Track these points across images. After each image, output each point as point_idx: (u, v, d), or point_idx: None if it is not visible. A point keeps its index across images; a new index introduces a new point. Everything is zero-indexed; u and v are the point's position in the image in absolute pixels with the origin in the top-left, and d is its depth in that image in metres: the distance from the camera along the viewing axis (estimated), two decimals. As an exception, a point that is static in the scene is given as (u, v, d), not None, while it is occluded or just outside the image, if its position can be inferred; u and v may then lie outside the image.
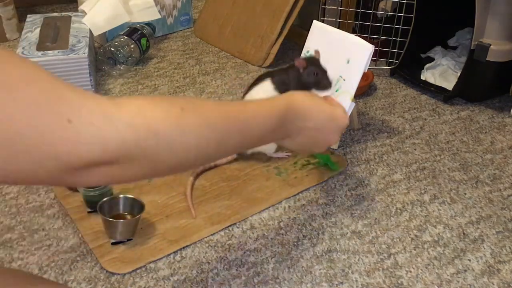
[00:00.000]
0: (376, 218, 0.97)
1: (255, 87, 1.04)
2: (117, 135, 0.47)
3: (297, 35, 1.61)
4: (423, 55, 1.54)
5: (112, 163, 0.48)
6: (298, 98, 0.75)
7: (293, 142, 0.76)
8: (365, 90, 1.40)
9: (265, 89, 1.01)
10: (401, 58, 1.45)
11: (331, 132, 0.81)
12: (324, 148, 0.83)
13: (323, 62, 1.18)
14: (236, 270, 0.85)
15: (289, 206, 1.00)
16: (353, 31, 1.53)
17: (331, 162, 1.08)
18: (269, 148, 1.09)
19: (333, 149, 1.16)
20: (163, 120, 0.52)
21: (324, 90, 0.98)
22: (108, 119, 0.47)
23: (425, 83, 1.43)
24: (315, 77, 0.98)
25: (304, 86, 0.98)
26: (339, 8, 1.52)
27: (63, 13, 1.52)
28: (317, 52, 1.01)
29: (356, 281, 0.84)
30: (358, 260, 0.88)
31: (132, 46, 1.47)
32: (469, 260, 0.88)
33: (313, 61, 1.00)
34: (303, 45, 1.22)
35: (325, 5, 1.51)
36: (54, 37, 1.36)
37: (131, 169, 0.50)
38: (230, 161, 1.09)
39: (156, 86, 1.42)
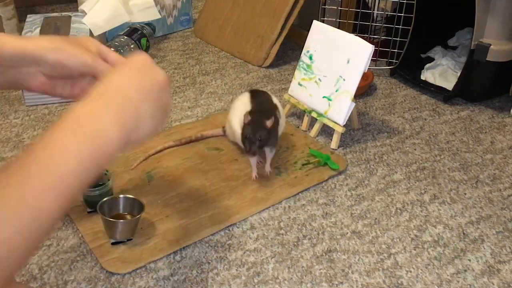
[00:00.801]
0: (376, 218, 0.97)
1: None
2: None
3: (297, 35, 1.61)
4: (423, 55, 1.54)
5: None
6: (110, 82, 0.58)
7: (138, 131, 0.58)
8: (365, 90, 1.40)
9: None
10: (401, 58, 1.46)
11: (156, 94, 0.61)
12: (166, 113, 0.64)
13: (323, 63, 1.18)
14: (236, 270, 0.85)
15: (289, 206, 1.00)
16: (353, 31, 1.53)
17: (331, 162, 1.08)
18: None
19: (333, 149, 1.16)
20: None
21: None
22: None
23: (425, 83, 1.43)
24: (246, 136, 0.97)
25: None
26: (339, 8, 1.52)
27: (63, 13, 1.52)
28: (246, 115, 0.99)
29: (356, 281, 0.84)
30: (358, 260, 0.88)
31: (132, 46, 1.46)
32: (469, 260, 0.88)
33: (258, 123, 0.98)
34: (303, 45, 1.23)
35: (325, 5, 1.51)
36: (54, 37, 1.36)
37: None
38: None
39: (156, 86, 1.41)
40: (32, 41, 0.67)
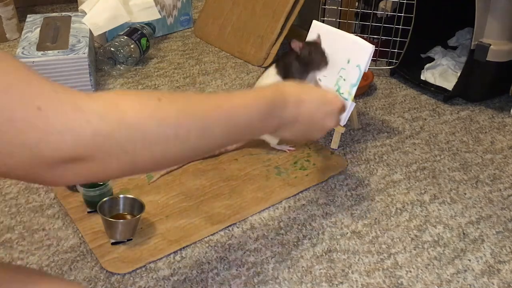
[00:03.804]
0: (376, 218, 0.97)
1: (263, 74, 1.10)
2: (88, 126, 0.46)
3: (297, 35, 1.60)
4: (423, 55, 1.54)
5: (87, 159, 0.47)
6: (286, 86, 0.75)
7: (290, 131, 0.75)
8: (365, 90, 1.40)
9: (269, 74, 1.07)
10: (401, 58, 1.46)
11: (327, 115, 0.80)
12: (323, 132, 0.82)
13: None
14: (236, 270, 0.85)
15: (289, 206, 1.00)
16: (353, 31, 1.53)
17: None
18: (272, 139, 1.10)
19: (333, 149, 1.16)
20: (137, 112, 0.51)
21: (321, 69, 1.05)
22: (79, 110, 0.46)
23: (425, 83, 1.43)
24: (310, 56, 1.03)
25: (304, 67, 1.04)
26: (339, 8, 1.52)
27: (63, 13, 1.52)
28: (318, 37, 1.07)
29: (356, 281, 0.84)
30: (358, 260, 0.88)
31: (132, 46, 1.47)
32: (469, 260, 0.88)
33: (311, 43, 1.07)
34: (303, 45, 1.23)
35: (325, 5, 1.51)
36: (54, 37, 1.36)
37: (109, 164, 0.49)
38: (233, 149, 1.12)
39: (156, 86, 1.42)
40: None
